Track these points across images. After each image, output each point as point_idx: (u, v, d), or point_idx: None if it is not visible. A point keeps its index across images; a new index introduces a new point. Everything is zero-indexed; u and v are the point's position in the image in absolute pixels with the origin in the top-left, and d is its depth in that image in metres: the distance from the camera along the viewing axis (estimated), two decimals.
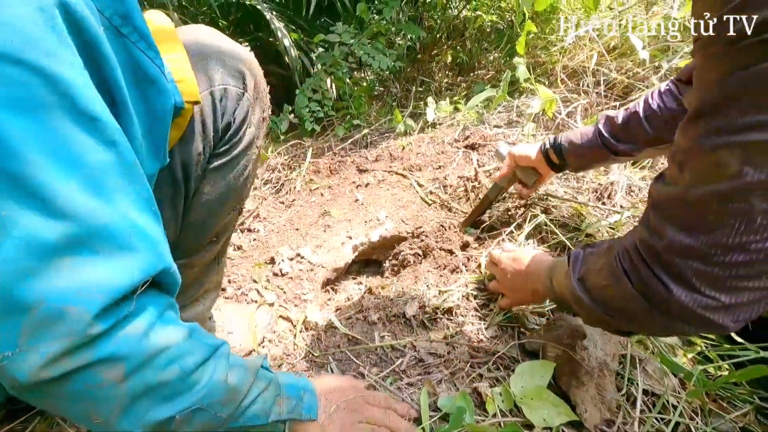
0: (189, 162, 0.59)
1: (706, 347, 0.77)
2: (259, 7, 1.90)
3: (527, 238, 1.02)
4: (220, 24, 2.07)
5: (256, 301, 0.96)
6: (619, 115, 0.90)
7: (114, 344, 0.39)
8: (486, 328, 0.86)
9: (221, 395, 0.48)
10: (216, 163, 0.63)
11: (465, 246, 1.07)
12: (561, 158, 0.98)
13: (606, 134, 0.91)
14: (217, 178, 0.64)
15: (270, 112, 0.73)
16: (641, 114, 0.86)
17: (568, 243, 0.98)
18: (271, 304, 0.95)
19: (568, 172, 1.10)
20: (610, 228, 1.04)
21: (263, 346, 0.87)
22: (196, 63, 0.57)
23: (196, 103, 0.53)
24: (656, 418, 0.68)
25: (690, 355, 0.76)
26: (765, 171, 0.39)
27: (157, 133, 0.49)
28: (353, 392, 0.65)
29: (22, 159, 0.34)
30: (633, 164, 1.29)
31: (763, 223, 0.40)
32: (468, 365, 0.80)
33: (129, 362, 0.40)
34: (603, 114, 0.93)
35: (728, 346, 0.75)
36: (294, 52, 1.93)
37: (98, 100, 0.38)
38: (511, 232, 1.07)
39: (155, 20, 0.55)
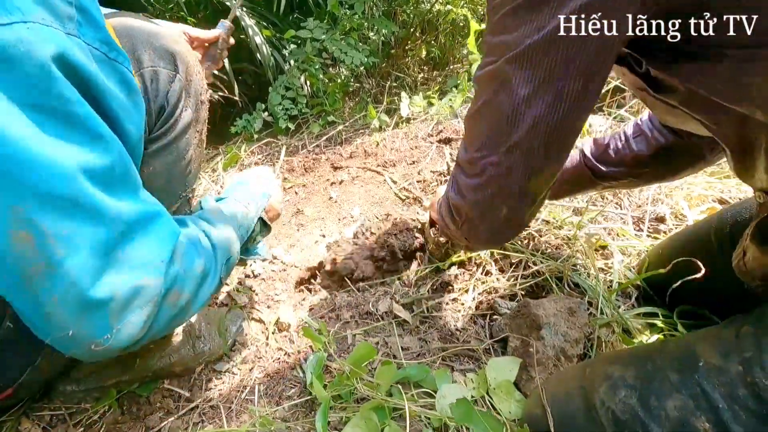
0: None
1: (669, 327, 0.79)
2: (228, 3, 1.87)
3: None
4: (188, 22, 2.03)
5: (226, 305, 0.95)
6: (606, 137, 0.87)
7: (168, 281, 0.50)
8: (457, 320, 0.87)
9: (231, 245, 0.67)
10: (153, 148, 0.62)
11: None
12: None
13: (589, 155, 0.87)
14: (156, 163, 0.63)
15: (208, 96, 0.72)
16: (630, 135, 0.83)
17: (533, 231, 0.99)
18: (243, 307, 0.94)
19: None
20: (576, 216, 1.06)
21: (234, 350, 0.86)
22: (124, 45, 0.57)
23: None
24: None
25: (655, 336, 0.78)
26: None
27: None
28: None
29: (71, 183, 0.42)
30: None
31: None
32: (440, 359, 0.80)
33: (178, 284, 0.52)
34: (588, 138, 0.90)
35: (683, 328, 0.77)
36: (266, 49, 1.90)
37: (100, 121, 0.45)
38: None
39: None
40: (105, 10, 0.63)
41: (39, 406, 0.73)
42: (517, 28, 0.48)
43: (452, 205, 0.65)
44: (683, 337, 0.61)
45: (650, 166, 0.82)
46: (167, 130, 0.63)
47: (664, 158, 0.80)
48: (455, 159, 0.65)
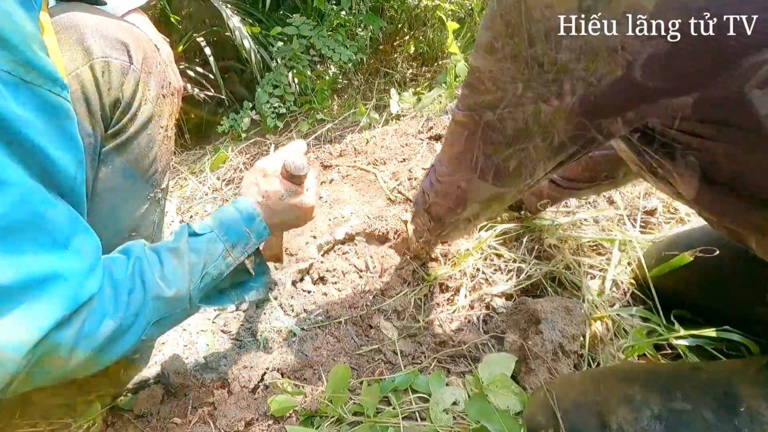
0: None
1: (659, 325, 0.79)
2: (212, 0, 1.83)
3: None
4: (172, 19, 1.98)
5: (215, 310, 0.92)
6: None
7: (45, 345, 0.43)
8: (451, 321, 0.86)
9: (167, 302, 0.55)
10: (110, 145, 0.59)
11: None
12: None
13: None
14: (114, 161, 0.60)
15: (174, 89, 0.68)
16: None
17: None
18: (231, 312, 0.92)
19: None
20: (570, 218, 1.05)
21: (225, 356, 0.83)
22: (70, 36, 0.53)
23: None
24: None
25: (645, 332, 0.78)
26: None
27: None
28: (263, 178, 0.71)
29: None
30: None
31: None
32: (435, 361, 0.79)
33: (64, 348, 0.45)
34: None
35: (679, 327, 0.77)
36: (251, 46, 1.86)
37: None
38: None
39: None
40: (51, 1, 0.58)
41: (18, 423, 0.70)
42: (502, 84, 0.49)
43: (426, 195, 0.75)
44: (716, 366, 0.58)
45: (602, 178, 0.86)
46: (125, 125, 0.59)
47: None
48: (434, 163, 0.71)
